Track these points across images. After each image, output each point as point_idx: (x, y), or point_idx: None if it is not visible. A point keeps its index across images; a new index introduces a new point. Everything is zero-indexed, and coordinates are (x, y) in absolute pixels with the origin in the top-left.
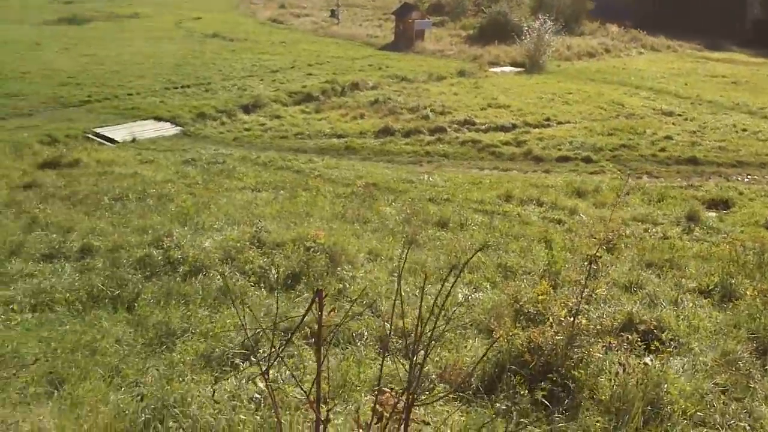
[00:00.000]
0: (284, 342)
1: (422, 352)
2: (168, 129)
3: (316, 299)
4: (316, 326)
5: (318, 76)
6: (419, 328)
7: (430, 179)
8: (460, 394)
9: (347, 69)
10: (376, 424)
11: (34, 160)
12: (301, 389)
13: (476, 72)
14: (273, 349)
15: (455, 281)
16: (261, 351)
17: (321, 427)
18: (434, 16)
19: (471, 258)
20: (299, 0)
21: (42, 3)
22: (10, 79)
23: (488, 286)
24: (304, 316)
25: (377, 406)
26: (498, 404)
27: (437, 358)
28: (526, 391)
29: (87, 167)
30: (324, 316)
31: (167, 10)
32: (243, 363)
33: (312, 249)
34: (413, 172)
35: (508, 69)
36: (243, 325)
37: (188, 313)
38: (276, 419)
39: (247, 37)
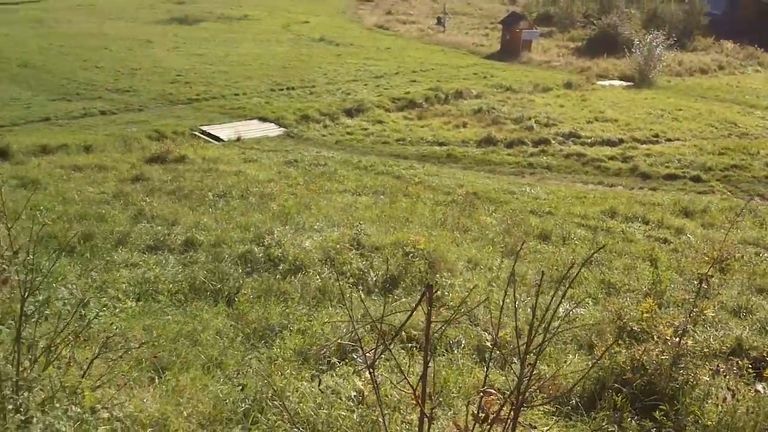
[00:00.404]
0: (393, 335)
1: (532, 355)
2: (272, 130)
3: (426, 294)
4: (412, 330)
5: (422, 83)
6: (532, 331)
7: (532, 191)
8: (559, 407)
9: (452, 77)
10: (481, 424)
11: (142, 155)
12: (408, 383)
13: (583, 84)
14: (379, 344)
15: (564, 293)
16: (359, 351)
17: (426, 424)
18: (542, 26)
19: (579, 271)
20: (406, 7)
21: (155, 2)
22: (122, 75)
23: (590, 301)
24: (413, 310)
25: (482, 406)
26: (599, 422)
27: (535, 371)
28: (629, 411)
29: (193, 163)
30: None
31: (276, 14)
32: (340, 363)
33: (411, 254)
34: (515, 183)
35: (616, 83)
36: (351, 320)
37: (287, 310)
38: (379, 412)
39: (353, 42)
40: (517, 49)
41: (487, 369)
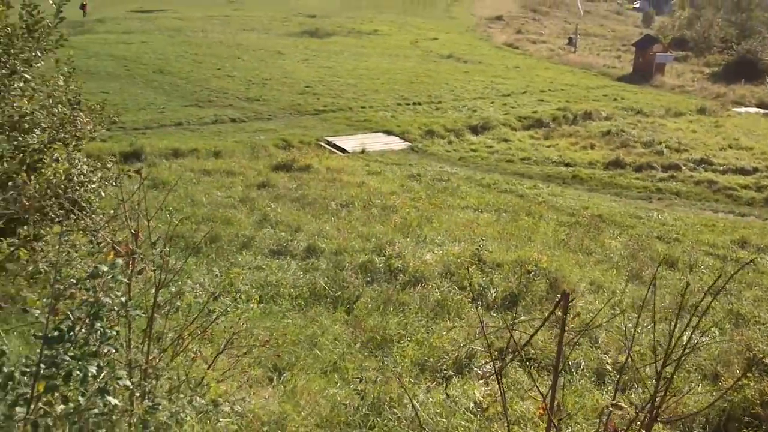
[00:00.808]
0: (522, 345)
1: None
2: (396, 143)
3: (562, 301)
4: (531, 349)
5: (550, 103)
6: (667, 352)
7: (660, 217)
8: None
9: (581, 98)
10: None
11: (269, 162)
12: (539, 391)
13: (718, 110)
14: (506, 352)
15: (698, 321)
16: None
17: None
18: (677, 50)
19: (714, 299)
20: (537, 26)
21: (287, 15)
22: (253, 84)
23: (716, 331)
24: (549, 316)
25: (612, 419)
26: None
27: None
28: None
29: (317, 173)
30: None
31: (406, 29)
32: (456, 375)
33: (533, 272)
34: (642, 207)
35: (753, 110)
36: (481, 324)
37: (405, 320)
38: (504, 420)
39: (481, 60)
40: (649, 72)
41: (618, 383)
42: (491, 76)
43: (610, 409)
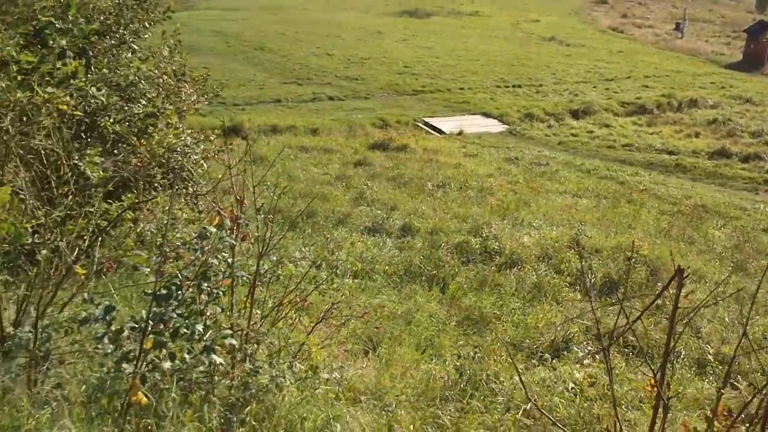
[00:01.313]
0: (639, 316)
1: None
2: (494, 126)
3: (677, 277)
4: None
5: (654, 89)
6: None
7: (767, 209)
8: None
9: (686, 85)
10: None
11: (366, 141)
12: (649, 367)
13: None
14: (614, 329)
15: None
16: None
17: (661, 411)
18: None
19: None
20: (643, 11)
21: None
22: (352, 63)
23: None
24: (661, 292)
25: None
26: None
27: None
28: None
29: (414, 153)
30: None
31: (507, 11)
32: (552, 359)
33: (633, 260)
34: (747, 199)
35: None
36: (589, 300)
37: (500, 302)
38: (611, 396)
39: (584, 43)
40: (761, 60)
41: (730, 366)
42: (594, 60)
43: (723, 391)
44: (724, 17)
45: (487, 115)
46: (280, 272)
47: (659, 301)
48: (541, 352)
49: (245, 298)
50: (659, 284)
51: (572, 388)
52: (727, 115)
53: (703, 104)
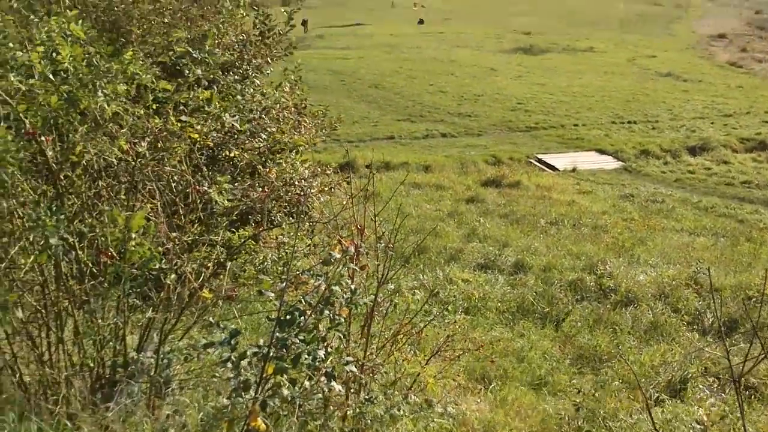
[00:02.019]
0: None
1: None
2: (609, 162)
3: None
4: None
5: None
6: None
7: None
8: None
9: None
10: None
11: (478, 177)
12: None
13: None
14: (743, 363)
15: None
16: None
17: None
18: None
19: None
20: (763, 45)
21: (501, 33)
22: (465, 100)
23: None
24: None
25: None
26: None
27: None
28: None
29: (526, 189)
30: None
31: (622, 47)
32: (670, 399)
33: (754, 299)
34: None
35: None
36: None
37: (616, 340)
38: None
39: (701, 78)
40: None
41: None
42: (712, 96)
43: None
44: None
45: (601, 151)
46: (396, 301)
47: None
48: (658, 392)
49: (361, 328)
50: None
51: (698, 428)
52: None
53: None
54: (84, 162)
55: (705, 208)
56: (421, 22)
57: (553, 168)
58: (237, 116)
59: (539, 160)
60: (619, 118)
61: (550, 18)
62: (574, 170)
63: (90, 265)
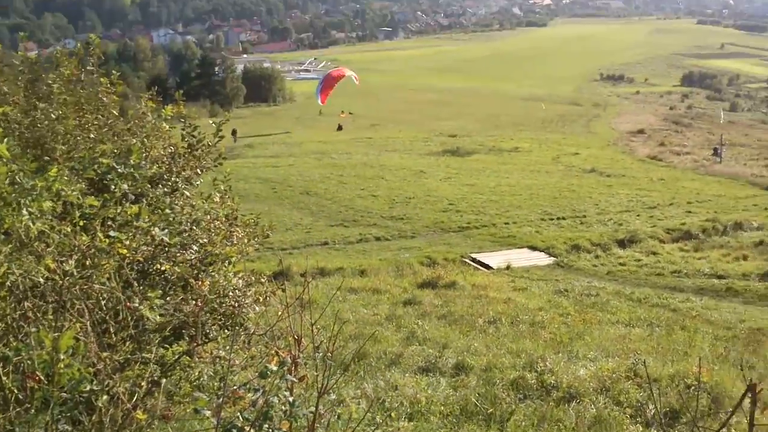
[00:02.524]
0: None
1: None
2: (542, 258)
3: (749, 393)
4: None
5: (698, 214)
6: None
7: None
8: None
9: (729, 208)
10: None
11: (414, 279)
12: None
13: None
14: None
15: None
16: None
17: None
18: None
19: None
20: (680, 138)
21: (429, 136)
22: (397, 203)
23: None
24: (736, 407)
25: None
26: None
27: None
28: None
29: (463, 289)
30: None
31: (546, 146)
32: None
33: (692, 387)
34: None
35: None
36: None
37: None
38: None
39: (624, 173)
40: None
41: None
42: (636, 189)
43: None
44: (760, 140)
45: (533, 248)
46: (339, 411)
47: (733, 421)
48: None
49: None
50: (722, 412)
51: None
52: None
53: (748, 227)
54: (8, 283)
55: (638, 299)
56: (339, 128)
57: (487, 267)
58: (167, 230)
59: (473, 260)
60: (548, 215)
61: (475, 121)
62: (508, 268)
63: (15, 391)
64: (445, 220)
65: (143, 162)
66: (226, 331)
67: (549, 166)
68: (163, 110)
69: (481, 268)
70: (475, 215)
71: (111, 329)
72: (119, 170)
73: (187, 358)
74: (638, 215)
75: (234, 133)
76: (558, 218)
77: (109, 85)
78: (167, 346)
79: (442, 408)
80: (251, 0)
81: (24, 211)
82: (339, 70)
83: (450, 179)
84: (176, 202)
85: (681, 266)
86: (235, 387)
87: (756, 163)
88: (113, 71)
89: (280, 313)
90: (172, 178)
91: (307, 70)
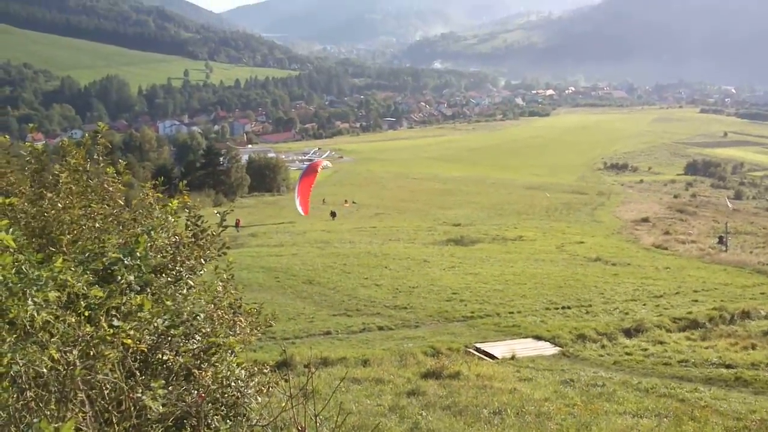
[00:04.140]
0: None
1: None
2: (547, 348)
3: None
4: None
5: (704, 303)
6: None
7: None
8: None
9: (737, 296)
10: None
11: (418, 369)
12: None
13: None
14: None
15: None
16: None
17: None
18: None
19: None
20: (685, 227)
21: (432, 225)
22: (400, 292)
23: None
24: None
25: None
26: None
27: None
28: None
29: (467, 380)
30: None
31: (551, 234)
32: None
33: None
34: None
35: None
36: None
37: None
38: None
39: (629, 261)
40: None
41: None
42: (641, 278)
43: None
44: (766, 228)
45: (538, 337)
46: None
47: None
48: None
49: None
50: None
51: None
52: None
53: (756, 315)
54: (12, 373)
55: (646, 390)
56: (333, 215)
57: (492, 356)
58: (170, 319)
59: (478, 349)
60: (554, 304)
61: (479, 210)
62: (513, 357)
63: None
64: (449, 310)
65: (150, 253)
66: (228, 421)
67: (553, 254)
68: (170, 203)
69: (485, 358)
70: (480, 304)
71: (113, 419)
72: (126, 262)
73: None
74: (644, 304)
75: (237, 223)
76: (563, 307)
77: (115, 175)
78: None
79: None
80: (256, 92)
81: (29, 301)
82: (308, 176)
83: (454, 268)
84: (180, 291)
85: (688, 356)
86: None
87: (762, 251)
88: (120, 161)
89: (283, 404)
90: (176, 268)
91: (311, 160)
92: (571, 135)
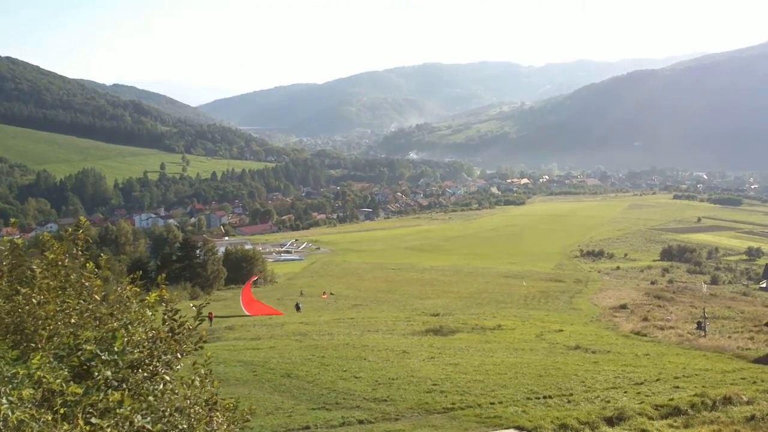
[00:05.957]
0: None
1: None
2: None
3: None
4: None
5: (686, 389)
6: None
7: None
8: None
9: (718, 382)
10: None
11: None
12: None
13: None
14: None
15: None
16: None
17: None
18: None
19: None
20: (663, 313)
21: (411, 315)
22: (380, 384)
23: None
24: None
25: None
26: None
27: None
28: None
29: None
30: None
31: (529, 323)
32: None
33: None
34: None
35: None
36: None
37: None
38: None
39: (609, 349)
40: None
41: None
42: (621, 365)
43: None
44: (743, 313)
45: (520, 428)
46: None
47: None
48: None
49: None
50: None
51: None
52: (764, 411)
53: (738, 401)
54: None
55: None
56: (297, 308)
57: None
58: (149, 417)
59: None
60: (534, 393)
61: (457, 299)
62: None
63: None
64: (429, 401)
65: (127, 347)
66: None
67: (533, 343)
68: (147, 297)
69: None
70: (460, 395)
71: None
72: (103, 357)
73: None
74: (626, 392)
75: (210, 316)
76: (544, 397)
77: (95, 269)
78: None
79: None
80: (233, 184)
81: (3, 400)
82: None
83: (433, 359)
84: (157, 387)
85: None
86: None
87: (741, 336)
88: (101, 255)
89: None
90: (153, 362)
91: (288, 251)
92: (547, 223)
